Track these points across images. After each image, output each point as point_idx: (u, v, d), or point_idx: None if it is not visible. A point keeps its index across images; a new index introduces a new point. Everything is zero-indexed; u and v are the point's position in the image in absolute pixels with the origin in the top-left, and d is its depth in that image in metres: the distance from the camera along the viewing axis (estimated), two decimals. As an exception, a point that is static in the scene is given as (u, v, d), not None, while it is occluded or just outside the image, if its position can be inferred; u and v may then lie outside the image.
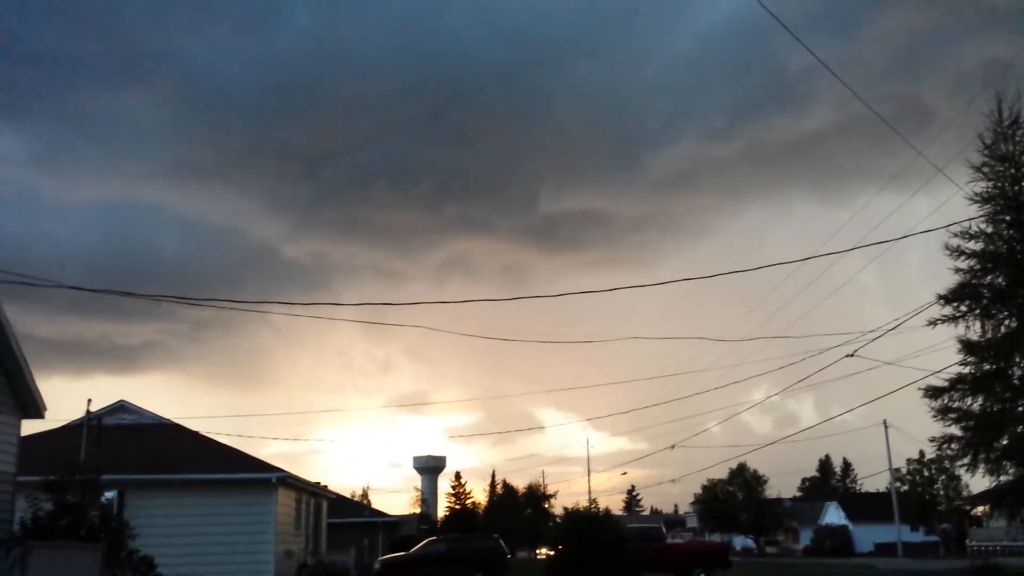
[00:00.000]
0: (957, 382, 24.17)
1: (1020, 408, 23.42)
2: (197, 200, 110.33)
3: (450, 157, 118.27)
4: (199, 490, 25.11)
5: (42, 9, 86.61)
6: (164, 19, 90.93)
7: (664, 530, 42.42)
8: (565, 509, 35.46)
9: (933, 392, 24.62)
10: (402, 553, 39.93)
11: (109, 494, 19.92)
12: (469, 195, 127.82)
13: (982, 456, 24.01)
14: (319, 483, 36.47)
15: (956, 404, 24.34)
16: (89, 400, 26.06)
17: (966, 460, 24.49)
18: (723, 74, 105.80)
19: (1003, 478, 24.73)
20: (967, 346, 24.09)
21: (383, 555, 44.05)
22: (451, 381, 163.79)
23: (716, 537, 77.45)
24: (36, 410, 16.02)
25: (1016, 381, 23.30)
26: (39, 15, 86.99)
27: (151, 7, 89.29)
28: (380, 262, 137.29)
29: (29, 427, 17.06)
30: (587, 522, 30.83)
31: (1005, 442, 23.36)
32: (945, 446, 24.91)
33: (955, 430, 24.11)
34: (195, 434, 29.33)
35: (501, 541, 38.86)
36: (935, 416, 24.12)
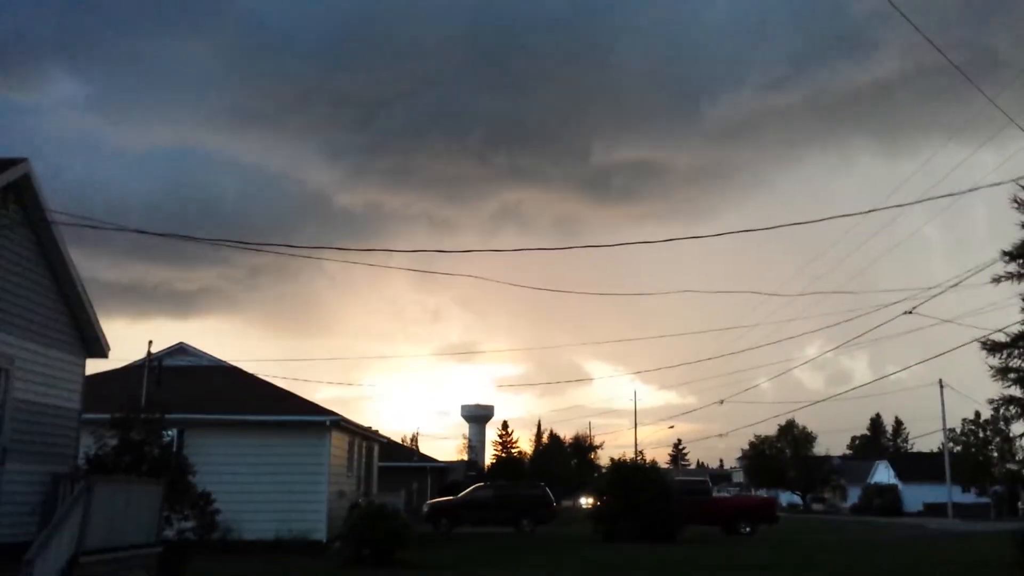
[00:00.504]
0: (1019, 339, 23.62)
1: (1084, 370, 22.85)
2: (254, 146, 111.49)
3: (504, 105, 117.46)
4: (255, 430, 25.72)
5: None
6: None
7: (710, 484, 42.52)
8: (612, 460, 35.71)
9: (992, 347, 24.08)
10: (450, 497, 40.66)
11: (169, 432, 20.47)
12: (522, 144, 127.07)
13: (1042, 417, 23.55)
14: (370, 427, 37.12)
15: (1017, 363, 23.83)
16: (150, 342, 26.73)
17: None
18: (786, 19, 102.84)
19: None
20: (1031, 304, 23.46)
21: (432, 499, 44.90)
22: (500, 331, 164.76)
23: (763, 493, 77.51)
24: (100, 349, 16.44)
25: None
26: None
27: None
28: (432, 211, 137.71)
29: (93, 367, 17.55)
30: (633, 473, 31.03)
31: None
32: (1004, 408, 24.47)
33: (1015, 391, 23.64)
34: (252, 376, 29.96)
35: (547, 489, 39.31)
36: (994, 376, 23.64)
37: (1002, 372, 23.50)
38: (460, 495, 39.72)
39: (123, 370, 27.00)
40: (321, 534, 24.96)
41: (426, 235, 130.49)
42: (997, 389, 24.53)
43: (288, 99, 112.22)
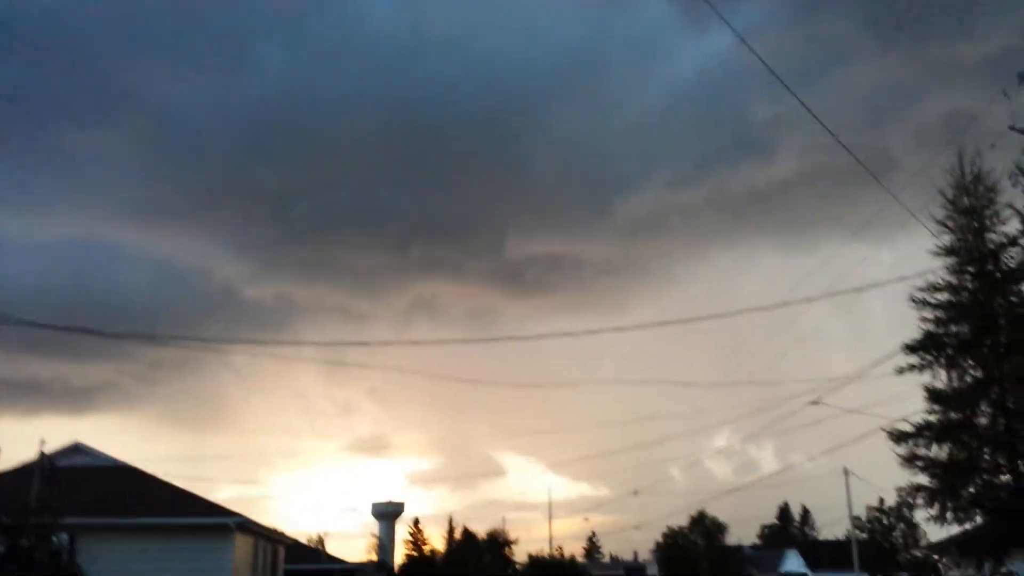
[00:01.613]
0: (924, 428, 24.40)
1: (987, 456, 23.68)
2: (163, 241, 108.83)
3: (419, 200, 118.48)
4: (155, 535, 24.34)
5: (12, 46, 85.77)
6: (137, 59, 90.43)
7: (627, 579, 42.01)
8: (531, 556, 35.05)
9: (898, 436, 24.81)
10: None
11: (61, 538, 19.16)
12: (437, 238, 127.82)
13: (949, 504, 24.16)
14: (276, 529, 35.59)
15: (922, 452, 24.56)
16: (42, 441, 25.18)
17: (933, 510, 24.62)
18: (691, 123, 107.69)
19: (968, 525, 24.89)
20: (933, 395, 24.38)
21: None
22: (413, 425, 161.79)
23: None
24: (-10, 450, 15.41)
25: (982, 430, 23.59)
26: (7, 52, 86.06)
27: (125, 46, 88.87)
28: (345, 303, 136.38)
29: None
30: (553, 570, 30.44)
31: (972, 490, 23.56)
32: (910, 496, 25.06)
33: (923, 479, 24.27)
34: (151, 477, 28.48)
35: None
36: (903, 463, 24.28)
37: (909, 461, 24.19)
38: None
39: (13, 471, 25.34)
40: (225, 644, 23.53)
41: (339, 327, 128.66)
42: (902, 477, 25.21)
43: (201, 194, 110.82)
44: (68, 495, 23.26)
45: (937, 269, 25.03)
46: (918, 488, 24.86)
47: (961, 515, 23.87)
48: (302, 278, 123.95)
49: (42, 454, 24.86)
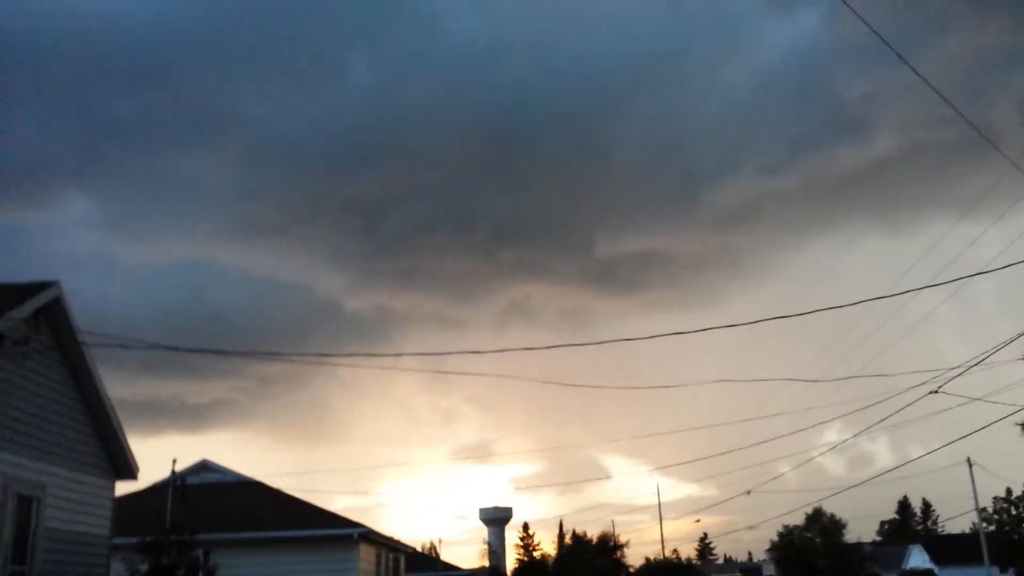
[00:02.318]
0: (1058, 416, 23.21)
1: None
2: (263, 257, 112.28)
3: (507, 203, 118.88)
4: (283, 547, 25.02)
5: (113, 75, 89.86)
6: (230, 80, 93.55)
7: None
8: (647, 560, 34.73)
9: (1030, 428, 23.67)
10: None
11: (195, 553, 19.87)
12: (527, 240, 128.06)
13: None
14: (395, 537, 36.21)
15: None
16: (174, 460, 26.31)
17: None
18: (780, 107, 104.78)
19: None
20: (1066, 379, 23.14)
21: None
22: (515, 429, 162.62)
23: (795, 585, 75.00)
24: (129, 472, 16.15)
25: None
26: (111, 81, 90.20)
27: (218, 69, 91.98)
28: (441, 311, 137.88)
29: (119, 489, 17.20)
30: (670, 572, 30.10)
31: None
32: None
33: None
34: (275, 491, 29.36)
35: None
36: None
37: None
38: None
39: (147, 490, 26.48)
40: (354, 653, 24.04)
41: (436, 334, 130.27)
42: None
43: (294, 207, 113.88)
44: (198, 511, 24.22)
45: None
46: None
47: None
48: (398, 287, 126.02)
49: (174, 473, 25.97)
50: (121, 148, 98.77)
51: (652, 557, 34.30)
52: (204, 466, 29.08)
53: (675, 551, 77.62)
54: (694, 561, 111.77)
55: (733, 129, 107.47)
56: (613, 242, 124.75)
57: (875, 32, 11.37)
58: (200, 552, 21.62)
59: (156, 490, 25.91)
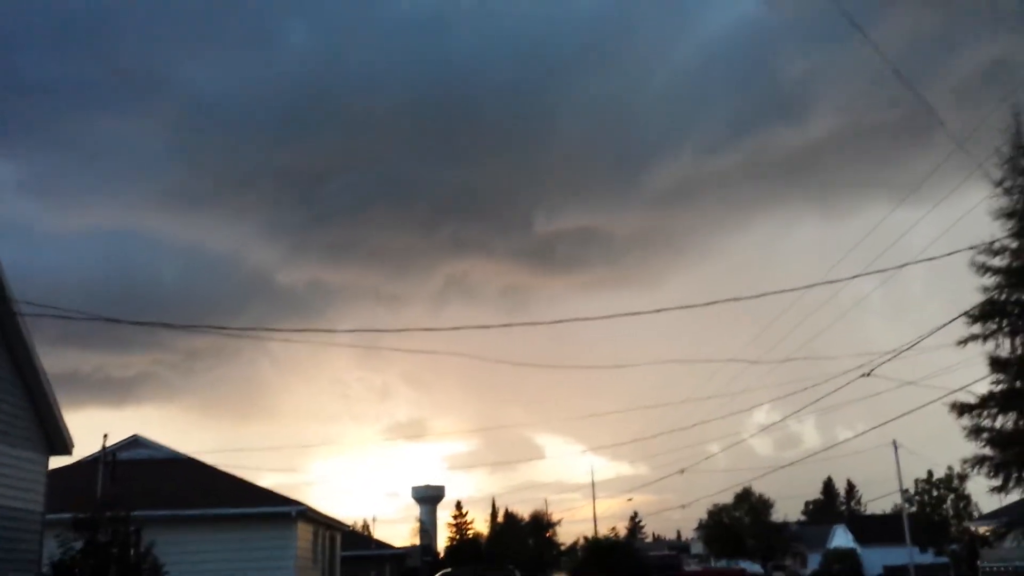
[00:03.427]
0: (988, 399, 23.94)
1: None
2: (194, 227, 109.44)
3: (448, 177, 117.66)
4: (219, 525, 24.53)
5: (37, 37, 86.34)
6: (163, 43, 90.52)
7: (680, 558, 41.94)
8: (585, 538, 35.13)
9: (962, 409, 24.37)
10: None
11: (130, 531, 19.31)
12: (466, 215, 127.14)
13: (1015, 475, 23.77)
14: (332, 516, 35.82)
15: (985, 423, 24.12)
16: (105, 435, 25.39)
17: (998, 480, 24.23)
18: (722, 86, 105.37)
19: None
20: (996, 363, 23.87)
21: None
22: (449, 408, 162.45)
23: (723, 563, 76.63)
24: (64, 447, 15.58)
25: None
26: (33, 43, 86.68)
27: (149, 31, 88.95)
28: (377, 285, 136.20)
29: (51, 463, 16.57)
30: (609, 551, 30.40)
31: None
32: (976, 467, 24.63)
33: (988, 451, 23.85)
34: (210, 468, 28.73)
35: (517, 572, 38.25)
36: (968, 435, 23.87)
37: (976, 432, 23.76)
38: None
39: (75, 465, 25.64)
40: (290, 632, 23.72)
41: (371, 310, 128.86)
42: (950, 449, 24.82)
43: (230, 177, 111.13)
44: (131, 488, 23.54)
45: (995, 233, 24.41)
46: (982, 459, 24.43)
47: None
48: (333, 261, 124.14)
49: (104, 448, 25.17)
50: (44, 110, 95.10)
51: (591, 536, 34.59)
52: (135, 441, 28.30)
53: (613, 529, 78.39)
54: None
55: (676, 107, 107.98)
56: (553, 219, 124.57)
57: (837, 5, 11.35)
58: (135, 530, 21.09)
59: (85, 465, 25.07)
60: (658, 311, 22.30)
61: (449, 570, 42.44)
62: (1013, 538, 30.09)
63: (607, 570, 29.11)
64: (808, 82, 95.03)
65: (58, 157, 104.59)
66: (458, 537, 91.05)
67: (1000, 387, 23.82)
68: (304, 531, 26.36)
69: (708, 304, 22.55)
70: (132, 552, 17.10)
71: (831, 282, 22.54)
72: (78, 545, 15.33)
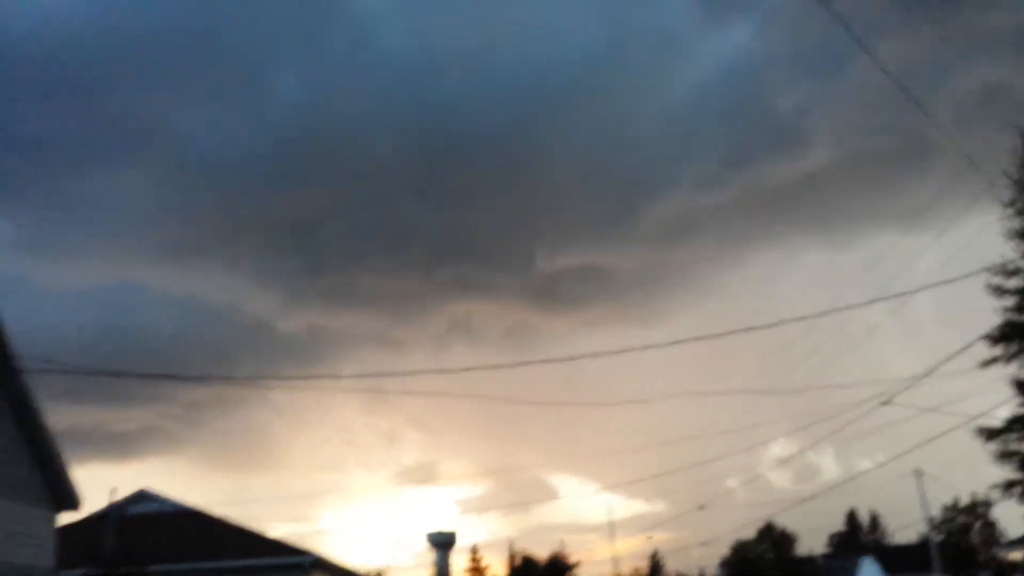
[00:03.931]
0: (1014, 422, 23.41)
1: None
2: (190, 278, 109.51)
3: (444, 220, 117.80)
4: (232, 578, 24.03)
5: (28, 92, 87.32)
6: (153, 96, 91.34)
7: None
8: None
9: (988, 434, 23.85)
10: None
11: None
12: (465, 257, 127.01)
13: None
14: (346, 566, 35.19)
15: (1015, 447, 23.58)
16: (113, 490, 25.21)
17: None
18: (716, 119, 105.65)
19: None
20: (1021, 386, 23.37)
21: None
22: (459, 451, 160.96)
23: (748, 600, 75.10)
24: (72, 502, 15.22)
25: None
26: (24, 95, 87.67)
27: (140, 84, 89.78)
28: (378, 330, 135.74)
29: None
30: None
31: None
32: (1006, 491, 24.04)
33: (1018, 474, 23.27)
34: (219, 519, 28.23)
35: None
36: (997, 459, 23.30)
37: (1005, 456, 23.20)
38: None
39: (83, 521, 25.25)
40: None
41: (374, 355, 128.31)
42: (974, 475, 24.28)
43: (223, 228, 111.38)
44: (140, 543, 23.18)
45: (1006, 254, 24.12)
46: (1011, 484, 23.85)
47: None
48: (332, 307, 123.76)
49: (112, 503, 24.83)
50: (33, 166, 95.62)
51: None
52: (142, 495, 27.83)
53: (637, 569, 77.25)
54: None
55: (670, 142, 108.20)
56: (553, 258, 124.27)
57: (844, 24, 11.14)
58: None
59: (93, 520, 24.70)
60: (674, 343, 21.95)
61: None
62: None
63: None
64: (801, 114, 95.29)
65: (51, 212, 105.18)
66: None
67: (1025, 410, 23.30)
68: (318, 581, 25.81)
69: (724, 334, 22.15)
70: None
71: (847, 308, 22.21)
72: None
